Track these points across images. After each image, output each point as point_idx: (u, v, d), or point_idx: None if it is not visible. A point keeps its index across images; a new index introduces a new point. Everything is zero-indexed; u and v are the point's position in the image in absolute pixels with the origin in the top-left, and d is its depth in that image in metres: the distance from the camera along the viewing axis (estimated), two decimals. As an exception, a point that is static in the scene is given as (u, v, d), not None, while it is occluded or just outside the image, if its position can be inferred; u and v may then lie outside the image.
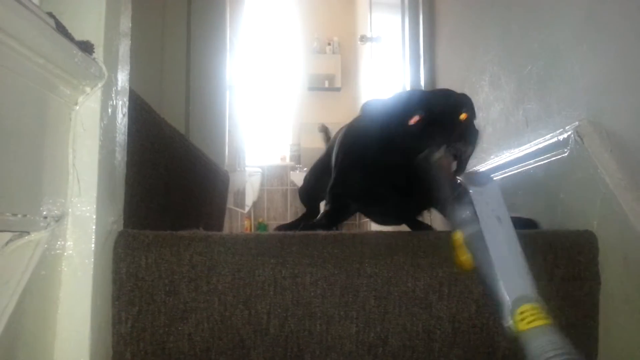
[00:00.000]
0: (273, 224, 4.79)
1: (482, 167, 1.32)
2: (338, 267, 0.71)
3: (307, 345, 0.70)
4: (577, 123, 0.89)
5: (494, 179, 0.57)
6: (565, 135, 0.90)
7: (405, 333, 0.71)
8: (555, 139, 0.94)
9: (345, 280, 0.71)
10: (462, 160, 0.76)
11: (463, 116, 0.78)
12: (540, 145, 1.00)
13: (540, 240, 0.78)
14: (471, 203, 0.57)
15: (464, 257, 0.56)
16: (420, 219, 1.12)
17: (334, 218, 0.97)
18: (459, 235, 0.57)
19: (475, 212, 0.56)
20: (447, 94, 0.83)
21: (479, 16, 1.48)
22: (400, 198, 0.89)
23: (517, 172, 1.10)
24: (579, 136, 0.86)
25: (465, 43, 1.62)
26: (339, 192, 0.95)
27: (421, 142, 0.73)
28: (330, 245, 0.73)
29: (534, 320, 0.44)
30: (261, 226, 4.79)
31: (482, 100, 1.39)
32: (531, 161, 1.04)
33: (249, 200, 4.12)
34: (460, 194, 0.59)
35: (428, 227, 1.17)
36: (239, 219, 3.21)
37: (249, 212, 4.43)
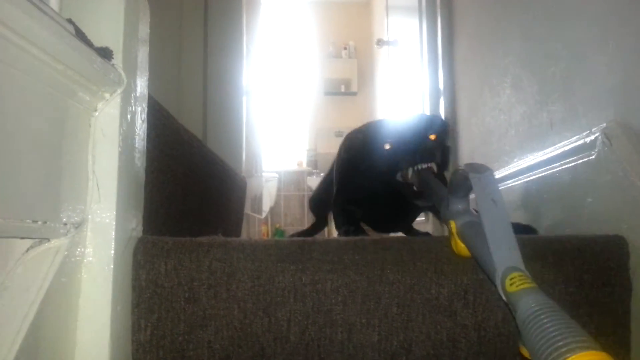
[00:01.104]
0: (290, 230, 4.79)
1: (505, 171, 1.29)
2: (359, 274, 0.69)
3: (329, 354, 0.68)
4: (604, 125, 0.86)
5: (490, 168, 0.63)
6: (592, 137, 0.88)
7: (429, 341, 0.69)
8: (581, 142, 0.91)
9: (366, 287, 0.69)
10: (438, 175, 0.87)
11: (432, 137, 0.88)
12: (566, 148, 0.97)
13: (568, 245, 0.76)
14: (465, 197, 0.70)
15: (461, 244, 0.67)
16: (416, 228, 1.22)
17: (352, 221, 1.06)
18: (453, 225, 0.69)
19: (467, 206, 0.70)
20: (416, 119, 0.92)
21: (498, 17, 1.46)
22: (392, 208, 1.01)
23: (542, 176, 1.08)
24: (607, 138, 0.83)
25: (484, 45, 1.60)
26: (341, 202, 1.08)
27: (392, 165, 0.88)
28: (351, 251, 0.71)
29: (521, 284, 0.50)
30: (278, 232, 4.79)
31: (504, 103, 1.36)
32: (556, 164, 1.01)
33: (266, 205, 4.12)
34: (453, 189, 0.70)
35: (426, 234, 1.20)
36: (257, 224, 3.21)
37: (266, 217, 4.43)
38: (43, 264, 0.54)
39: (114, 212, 0.61)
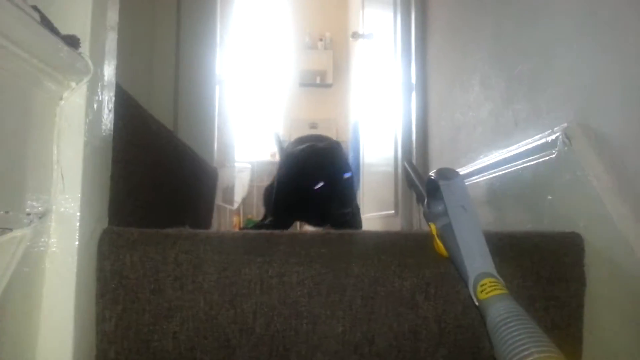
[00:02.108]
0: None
1: (471, 167, 1.32)
2: (325, 267, 0.71)
3: (293, 345, 0.70)
4: (565, 124, 0.89)
5: (460, 174, 0.64)
6: (553, 137, 0.91)
7: (392, 333, 0.71)
8: (543, 140, 0.94)
9: (332, 280, 0.70)
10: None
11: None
12: (529, 146, 1.00)
13: (526, 241, 0.79)
14: (442, 199, 0.68)
15: (441, 245, 0.69)
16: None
17: (280, 224, 1.27)
18: (433, 227, 0.71)
19: (445, 209, 0.68)
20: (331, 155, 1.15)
21: (471, 13, 1.48)
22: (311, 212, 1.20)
23: (506, 173, 1.11)
24: (567, 138, 0.86)
25: (457, 40, 1.63)
26: (277, 207, 1.30)
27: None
28: (318, 244, 0.72)
29: (491, 291, 0.51)
30: (250, 222, 4.77)
31: (473, 100, 1.39)
32: (519, 162, 1.04)
33: (238, 196, 4.10)
34: (430, 193, 0.71)
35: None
36: (228, 215, 3.20)
37: (238, 208, 4.41)
38: (5, 253, 0.53)
39: (79, 203, 0.60)
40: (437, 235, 0.71)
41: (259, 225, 1.45)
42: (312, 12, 5.55)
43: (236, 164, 3.65)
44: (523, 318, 0.46)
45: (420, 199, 0.84)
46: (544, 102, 1.01)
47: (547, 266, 0.77)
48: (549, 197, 0.92)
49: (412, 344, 0.72)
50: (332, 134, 4.91)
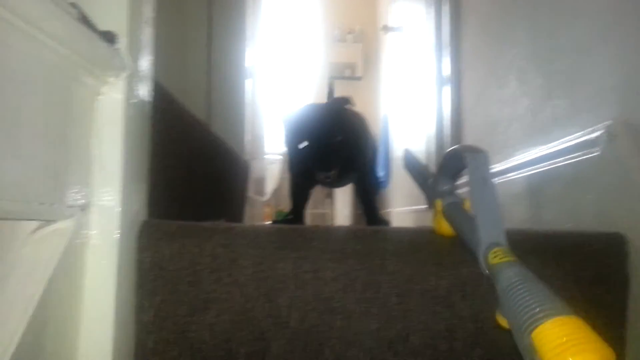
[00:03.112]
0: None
1: (508, 164, 1.29)
2: (360, 263, 0.70)
3: (327, 340, 0.69)
4: (608, 122, 0.86)
5: (486, 151, 0.65)
6: (595, 134, 0.88)
7: (427, 331, 0.70)
8: (585, 138, 0.91)
9: (366, 277, 0.70)
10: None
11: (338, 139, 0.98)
12: (570, 144, 0.97)
13: (567, 241, 0.77)
14: (453, 178, 0.75)
15: (444, 224, 0.72)
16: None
17: (297, 201, 1.20)
18: (439, 203, 0.73)
19: (453, 187, 0.75)
20: (325, 116, 1.02)
21: (506, 7, 1.45)
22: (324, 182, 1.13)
23: (545, 170, 1.08)
24: (610, 136, 0.83)
25: (492, 35, 1.59)
26: (292, 177, 1.21)
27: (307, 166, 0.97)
28: (352, 240, 0.72)
29: (504, 257, 0.52)
30: (280, 214, 4.80)
31: (509, 95, 1.36)
32: (559, 159, 1.01)
33: (269, 188, 4.13)
34: (444, 169, 0.74)
35: (385, 223, 1.29)
36: (259, 206, 3.22)
37: (269, 199, 4.44)
38: (49, 244, 0.54)
39: (119, 196, 0.61)
40: (443, 212, 0.72)
41: (286, 220, 1.40)
42: (342, 4, 5.52)
43: (267, 156, 3.67)
44: (536, 282, 0.46)
45: (422, 182, 0.85)
46: (585, 99, 0.98)
47: (588, 267, 0.74)
48: (591, 196, 0.89)
49: (448, 343, 0.71)
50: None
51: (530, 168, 1.16)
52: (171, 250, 0.67)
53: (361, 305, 0.70)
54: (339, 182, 1.21)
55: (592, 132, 0.89)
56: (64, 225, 0.56)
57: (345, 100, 1.09)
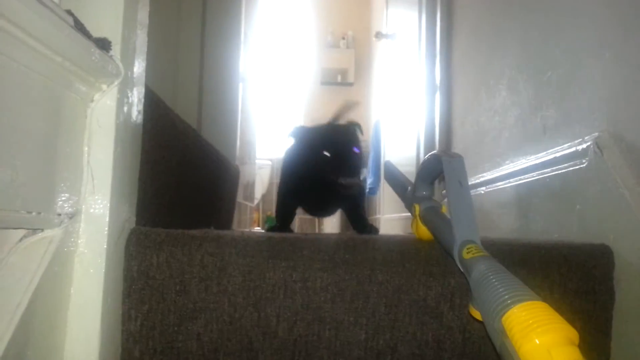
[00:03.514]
0: (281, 217, 4.77)
1: (497, 173, 1.30)
2: (349, 273, 0.70)
3: (316, 350, 0.69)
4: (597, 134, 0.87)
5: (461, 155, 0.70)
6: (584, 146, 0.89)
7: (415, 342, 0.71)
8: (573, 149, 0.92)
9: (355, 286, 0.70)
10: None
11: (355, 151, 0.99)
12: (558, 154, 0.98)
13: (554, 252, 0.77)
14: (431, 184, 0.80)
15: (422, 228, 0.76)
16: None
17: (284, 217, 1.18)
18: (417, 208, 0.77)
19: (431, 193, 0.80)
20: (344, 130, 1.05)
21: (498, 17, 1.46)
22: (323, 198, 1.13)
23: (533, 180, 1.09)
24: (598, 148, 0.84)
25: (483, 44, 1.60)
26: (282, 194, 1.20)
27: (329, 174, 0.97)
28: (342, 250, 0.72)
29: (476, 253, 0.55)
30: (269, 219, 4.79)
31: (500, 104, 1.37)
32: (548, 169, 1.02)
33: (258, 193, 4.12)
34: (422, 174, 0.79)
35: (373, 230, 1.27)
36: (248, 212, 3.21)
37: (258, 204, 4.44)
38: (36, 253, 0.54)
39: (108, 203, 0.61)
40: (420, 216, 0.76)
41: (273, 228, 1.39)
42: (335, 10, 5.54)
43: (257, 161, 3.66)
44: (504, 273, 0.49)
45: (401, 191, 0.91)
46: (574, 110, 0.99)
47: (575, 278, 0.75)
48: (578, 207, 0.90)
49: (435, 354, 0.71)
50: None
51: (519, 177, 1.17)
52: (159, 259, 0.67)
53: (350, 315, 0.70)
54: (335, 202, 1.21)
55: (581, 143, 0.91)
56: (51, 234, 0.56)
57: (358, 124, 1.14)
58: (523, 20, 1.26)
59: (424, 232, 0.76)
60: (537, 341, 0.38)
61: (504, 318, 0.42)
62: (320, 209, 1.29)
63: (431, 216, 0.74)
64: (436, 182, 0.84)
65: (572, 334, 0.39)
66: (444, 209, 0.74)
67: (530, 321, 0.40)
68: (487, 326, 0.47)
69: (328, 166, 0.98)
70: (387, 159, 3.32)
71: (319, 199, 1.15)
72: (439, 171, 0.72)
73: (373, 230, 1.12)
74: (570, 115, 1.00)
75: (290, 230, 1.16)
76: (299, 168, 1.10)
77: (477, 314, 0.50)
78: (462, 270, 0.59)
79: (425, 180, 0.80)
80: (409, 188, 0.86)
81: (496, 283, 0.47)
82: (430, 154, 0.75)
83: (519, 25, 1.29)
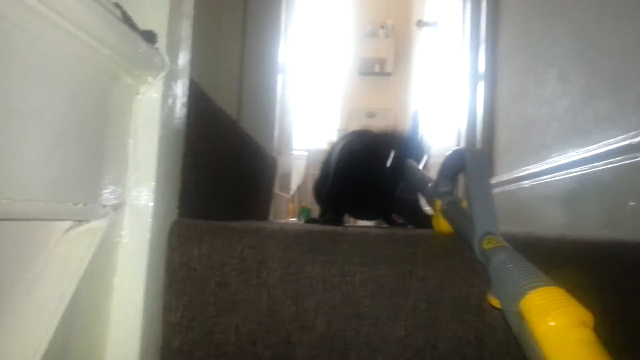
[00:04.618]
0: (316, 209, 4.79)
1: (544, 165, 1.25)
2: (389, 268, 0.69)
3: (354, 345, 0.69)
4: (654, 126, 0.82)
5: (484, 151, 0.69)
6: (638, 139, 0.84)
7: (456, 339, 0.69)
8: (627, 142, 0.88)
9: (395, 282, 0.69)
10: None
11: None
12: (610, 147, 0.93)
13: (606, 249, 0.74)
14: (452, 180, 0.82)
15: (443, 222, 0.78)
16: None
17: (336, 220, 1.17)
18: (439, 203, 0.80)
19: (452, 189, 0.82)
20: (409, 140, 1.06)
21: (548, 4, 1.40)
22: (374, 204, 1.12)
23: (583, 174, 1.04)
24: (656, 141, 0.80)
25: (532, 32, 1.54)
26: (332, 199, 1.18)
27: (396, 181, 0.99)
28: (383, 245, 0.71)
29: (496, 243, 0.57)
30: (304, 210, 4.80)
31: (548, 94, 1.32)
32: (599, 163, 0.98)
33: (294, 184, 4.14)
34: (444, 170, 0.81)
35: (403, 225, 1.30)
36: (284, 203, 3.23)
37: (294, 196, 4.46)
38: (82, 244, 0.55)
39: (152, 196, 0.62)
40: (441, 211, 0.79)
41: (312, 220, 1.40)
42: (375, -1, 5.46)
43: (293, 152, 3.67)
44: (522, 261, 0.51)
45: (422, 187, 0.92)
46: (629, 101, 0.94)
47: (627, 278, 0.71)
48: (631, 203, 0.86)
49: (477, 352, 0.69)
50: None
51: (568, 171, 1.12)
52: (200, 251, 0.67)
53: (389, 311, 0.69)
54: (383, 214, 1.20)
55: (636, 136, 0.86)
56: (97, 225, 0.57)
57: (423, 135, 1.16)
58: (575, 6, 1.21)
59: (445, 226, 0.78)
60: (552, 323, 0.40)
61: (521, 302, 0.44)
62: (366, 217, 1.30)
63: (452, 210, 0.76)
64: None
65: (587, 316, 0.41)
66: (464, 204, 0.76)
67: (546, 305, 0.42)
68: (505, 312, 0.49)
69: (387, 180, 0.98)
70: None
71: (369, 207, 1.15)
72: (460, 167, 0.75)
73: (429, 222, 1.12)
74: (625, 107, 0.95)
75: (342, 222, 1.13)
76: (356, 174, 1.09)
77: (495, 302, 0.52)
78: (482, 260, 0.61)
79: (446, 176, 0.82)
80: (430, 184, 0.89)
81: (514, 270, 0.49)
82: (452, 150, 0.77)
83: (571, 11, 1.23)
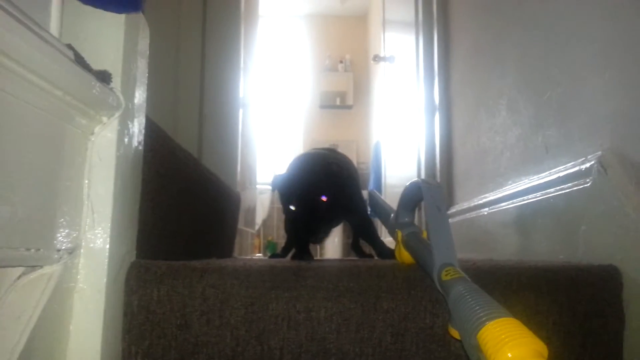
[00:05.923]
0: (282, 243, 4.75)
1: (500, 193, 1.29)
2: (354, 302, 0.69)
3: (321, 383, 0.68)
4: (600, 153, 0.87)
5: (440, 183, 0.73)
6: (587, 165, 0.88)
7: (423, 371, 0.69)
8: (577, 168, 0.92)
9: (360, 315, 0.69)
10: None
11: (323, 199, 1.00)
12: (561, 174, 0.97)
13: (562, 274, 0.76)
14: (412, 211, 0.84)
15: (405, 253, 0.79)
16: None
17: (300, 244, 1.17)
18: (400, 234, 0.81)
19: (412, 219, 0.84)
20: (309, 181, 1.04)
21: (495, 37, 1.47)
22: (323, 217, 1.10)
23: (537, 200, 1.08)
24: (602, 166, 0.84)
25: (481, 64, 1.61)
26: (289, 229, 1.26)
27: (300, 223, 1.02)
28: (346, 278, 0.71)
29: (454, 275, 0.59)
30: (270, 244, 4.76)
31: (500, 124, 1.37)
32: (551, 190, 1.01)
33: (259, 218, 4.10)
34: (404, 201, 0.83)
35: (369, 256, 1.37)
36: (249, 238, 3.19)
37: (259, 230, 4.41)
38: (35, 291, 0.53)
39: (108, 238, 0.60)
40: (402, 242, 0.80)
41: (275, 255, 1.42)
42: (332, 34, 5.61)
43: (257, 186, 3.66)
44: (479, 292, 0.52)
45: (385, 218, 0.95)
46: (576, 129, 0.99)
47: (583, 301, 0.74)
48: (584, 228, 0.89)
49: (444, 383, 0.69)
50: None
51: (522, 198, 1.16)
52: (160, 293, 0.65)
53: (355, 346, 0.68)
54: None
55: (584, 162, 0.90)
56: (50, 270, 0.55)
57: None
58: (521, 40, 1.27)
59: (407, 256, 0.79)
60: (509, 355, 0.41)
61: (479, 334, 0.45)
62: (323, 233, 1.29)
63: (412, 241, 0.77)
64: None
65: (541, 347, 0.42)
66: (424, 234, 0.77)
67: (503, 336, 0.43)
68: (464, 343, 0.50)
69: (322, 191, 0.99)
70: (388, 180, 3.32)
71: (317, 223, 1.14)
72: (419, 198, 0.77)
73: (392, 254, 1.12)
74: (573, 134, 1.00)
75: (309, 254, 1.13)
76: (292, 196, 1.09)
77: (455, 333, 0.53)
78: (441, 292, 0.61)
79: (406, 208, 0.84)
80: (392, 215, 0.90)
81: (472, 302, 0.50)
82: (410, 182, 0.79)
83: (516, 45, 1.30)
